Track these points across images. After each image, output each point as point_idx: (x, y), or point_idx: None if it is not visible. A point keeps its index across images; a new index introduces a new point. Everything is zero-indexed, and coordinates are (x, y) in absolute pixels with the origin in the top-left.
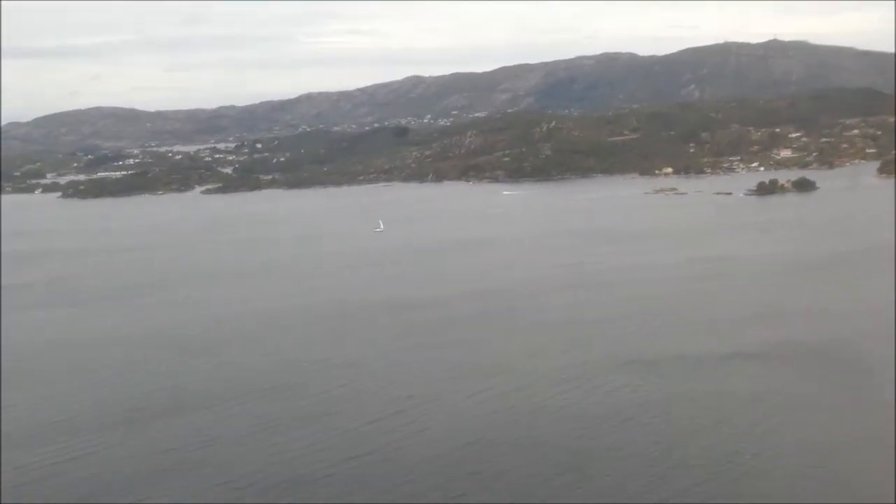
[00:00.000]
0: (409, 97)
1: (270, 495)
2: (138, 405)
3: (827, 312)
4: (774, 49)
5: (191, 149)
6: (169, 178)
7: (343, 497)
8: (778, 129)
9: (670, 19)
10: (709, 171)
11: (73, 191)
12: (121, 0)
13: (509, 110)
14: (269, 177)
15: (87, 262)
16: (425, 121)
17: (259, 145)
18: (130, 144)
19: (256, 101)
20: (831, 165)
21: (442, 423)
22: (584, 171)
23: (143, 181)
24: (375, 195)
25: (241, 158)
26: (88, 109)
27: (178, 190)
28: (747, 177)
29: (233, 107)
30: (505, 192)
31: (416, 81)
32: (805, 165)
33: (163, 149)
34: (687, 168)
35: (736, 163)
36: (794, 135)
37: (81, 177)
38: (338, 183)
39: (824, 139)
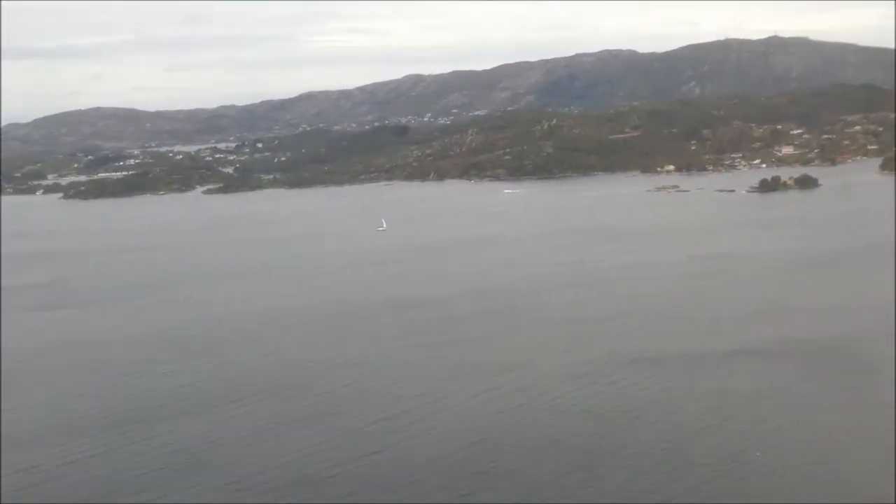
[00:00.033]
0: (409, 96)
1: (275, 496)
2: (140, 406)
3: (829, 309)
4: (775, 46)
5: (191, 149)
6: (170, 178)
7: (349, 497)
8: (779, 126)
9: (670, 16)
10: (710, 168)
11: (75, 192)
12: (121, 0)
13: (509, 108)
14: (270, 176)
15: (89, 263)
16: (425, 119)
17: (260, 145)
18: (131, 145)
19: (256, 100)
20: (833, 162)
21: (447, 422)
22: (586, 169)
23: (144, 181)
24: (377, 194)
25: (242, 158)
26: (88, 110)
27: (179, 190)
28: (749, 174)
29: (233, 106)
30: (506, 191)
31: (415, 80)
32: (807, 162)
33: (163, 149)
34: (689, 165)
35: (738, 160)
36: (795, 131)
37: (82, 177)
38: (339, 182)
39: (826, 136)
